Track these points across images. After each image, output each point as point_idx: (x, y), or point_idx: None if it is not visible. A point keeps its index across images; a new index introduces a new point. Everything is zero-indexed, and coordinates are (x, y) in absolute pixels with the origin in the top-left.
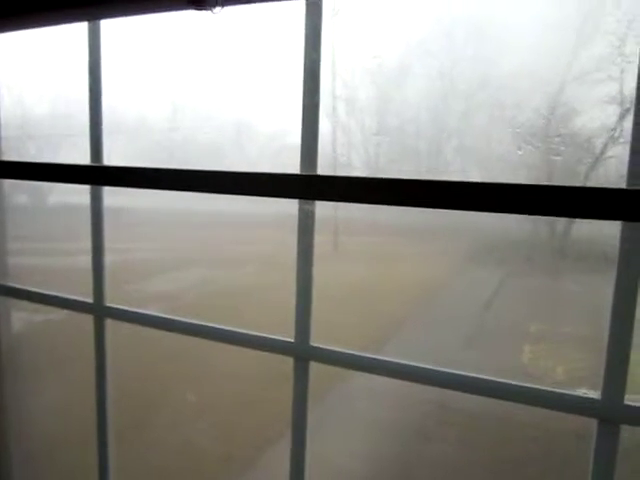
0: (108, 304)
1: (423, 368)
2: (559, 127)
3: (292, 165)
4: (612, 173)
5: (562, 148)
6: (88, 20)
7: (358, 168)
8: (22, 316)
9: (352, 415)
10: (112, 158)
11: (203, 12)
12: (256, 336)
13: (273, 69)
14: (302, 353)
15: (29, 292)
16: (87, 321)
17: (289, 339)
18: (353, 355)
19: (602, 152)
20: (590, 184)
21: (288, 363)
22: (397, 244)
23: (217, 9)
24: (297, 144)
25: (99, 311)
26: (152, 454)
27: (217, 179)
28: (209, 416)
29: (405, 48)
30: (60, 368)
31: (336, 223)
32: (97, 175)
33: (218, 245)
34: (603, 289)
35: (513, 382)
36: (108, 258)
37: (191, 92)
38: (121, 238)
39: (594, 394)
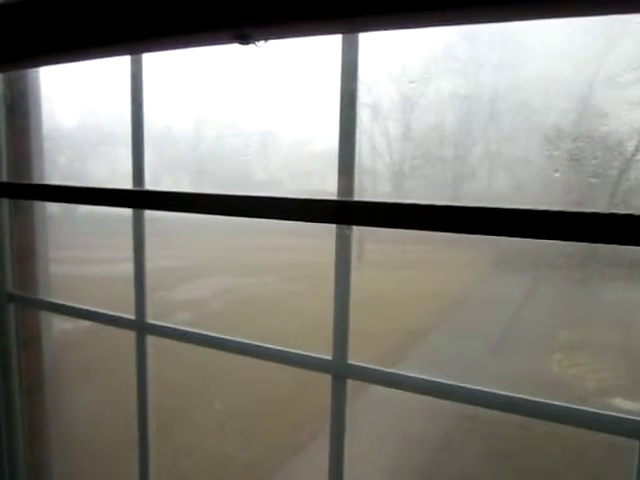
0: (150, 320)
1: (459, 387)
2: (588, 130)
3: (317, 172)
4: None
5: (591, 151)
6: (135, 54)
7: (382, 174)
8: (62, 323)
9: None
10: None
11: (247, 47)
12: (295, 354)
13: (297, 80)
14: (340, 371)
15: (73, 308)
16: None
17: (327, 357)
18: (390, 373)
19: (632, 156)
20: (622, 188)
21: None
22: (423, 252)
23: (261, 42)
24: (321, 152)
25: (141, 328)
26: (187, 461)
27: (255, 204)
28: (242, 423)
29: (429, 53)
30: (100, 377)
31: (361, 231)
32: (140, 199)
33: (244, 252)
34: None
35: (547, 401)
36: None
37: (216, 102)
38: (147, 246)
39: (630, 405)
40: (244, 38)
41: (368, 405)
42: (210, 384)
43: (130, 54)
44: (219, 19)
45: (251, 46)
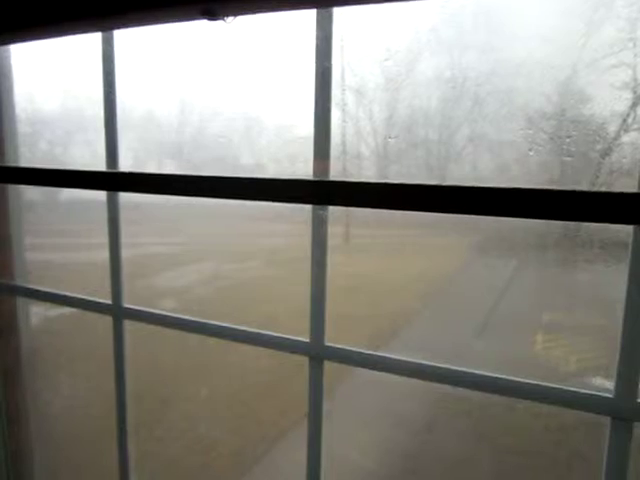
0: (126, 305)
1: (435, 367)
2: (571, 113)
3: (301, 156)
4: (626, 159)
5: (574, 134)
6: (103, 31)
7: (368, 157)
8: (39, 310)
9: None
10: (122, 154)
11: (216, 22)
12: (272, 336)
13: (280, 65)
14: (317, 353)
15: (49, 293)
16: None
17: (304, 339)
18: (366, 354)
19: (615, 138)
20: (604, 170)
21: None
22: (409, 236)
23: (229, 19)
24: (305, 136)
25: (118, 312)
26: (167, 448)
27: (229, 185)
28: (224, 408)
29: (414, 36)
30: (80, 363)
31: (347, 215)
32: (112, 181)
33: (228, 238)
34: (618, 277)
35: (523, 380)
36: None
37: (199, 88)
38: (130, 233)
39: (610, 384)
40: (211, 14)
41: (353, 387)
42: (195, 369)
43: (98, 30)
44: None
45: (219, 22)
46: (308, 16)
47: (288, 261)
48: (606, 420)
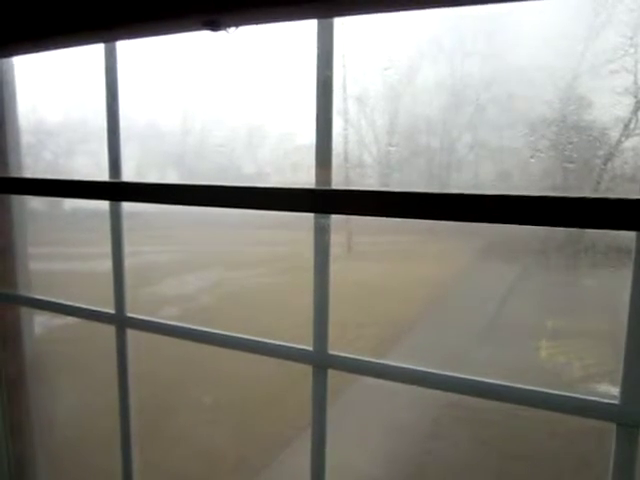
0: (129, 314)
1: (439, 374)
2: (572, 119)
3: (303, 165)
4: (628, 164)
5: (576, 140)
6: (105, 42)
7: (370, 166)
8: (43, 319)
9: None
10: (124, 164)
11: (218, 33)
12: (275, 345)
13: (282, 74)
14: (320, 361)
15: (52, 303)
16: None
17: (308, 347)
18: (370, 362)
19: (617, 144)
20: (606, 176)
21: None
22: (412, 242)
23: (232, 29)
24: (307, 144)
25: (121, 321)
26: (171, 457)
27: (231, 194)
28: (228, 418)
29: (415, 45)
30: (83, 372)
31: (350, 222)
32: (115, 191)
33: (230, 246)
34: (621, 282)
35: (527, 387)
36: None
37: (201, 97)
38: (131, 241)
39: (615, 391)
40: (214, 25)
41: (357, 394)
42: (199, 379)
43: (100, 42)
44: (188, 5)
45: (222, 33)
46: (309, 25)
47: (291, 269)
48: (612, 427)
